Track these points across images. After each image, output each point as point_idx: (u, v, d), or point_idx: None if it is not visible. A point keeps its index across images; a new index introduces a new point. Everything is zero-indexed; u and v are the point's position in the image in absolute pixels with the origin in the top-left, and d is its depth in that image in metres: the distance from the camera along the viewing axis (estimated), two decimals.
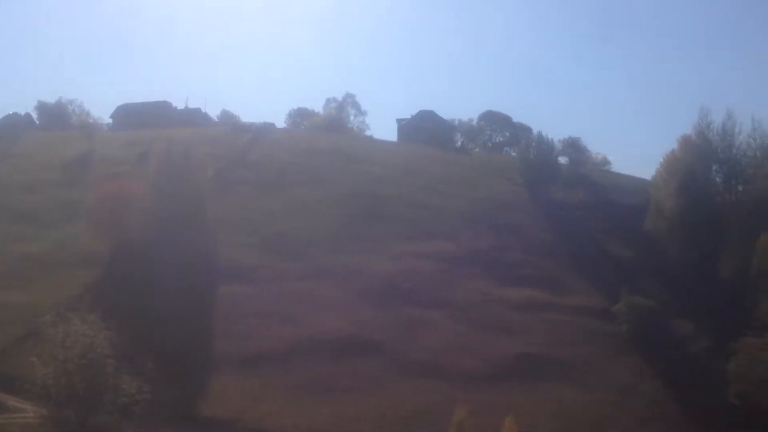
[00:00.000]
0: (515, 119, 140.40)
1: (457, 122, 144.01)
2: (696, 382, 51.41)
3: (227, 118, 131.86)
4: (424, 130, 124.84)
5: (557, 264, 69.02)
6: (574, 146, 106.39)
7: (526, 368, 49.38)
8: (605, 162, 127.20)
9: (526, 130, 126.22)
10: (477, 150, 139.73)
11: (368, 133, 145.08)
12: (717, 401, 49.61)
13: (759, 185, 70.97)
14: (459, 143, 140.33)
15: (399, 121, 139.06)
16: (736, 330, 53.18)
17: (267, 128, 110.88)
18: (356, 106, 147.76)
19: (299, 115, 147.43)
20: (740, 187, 74.21)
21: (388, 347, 50.51)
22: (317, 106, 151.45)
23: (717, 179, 74.95)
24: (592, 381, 49.45)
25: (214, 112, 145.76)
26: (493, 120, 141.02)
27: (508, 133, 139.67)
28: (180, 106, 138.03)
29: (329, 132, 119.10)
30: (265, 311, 54.36)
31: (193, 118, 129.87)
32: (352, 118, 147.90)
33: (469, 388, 44.64)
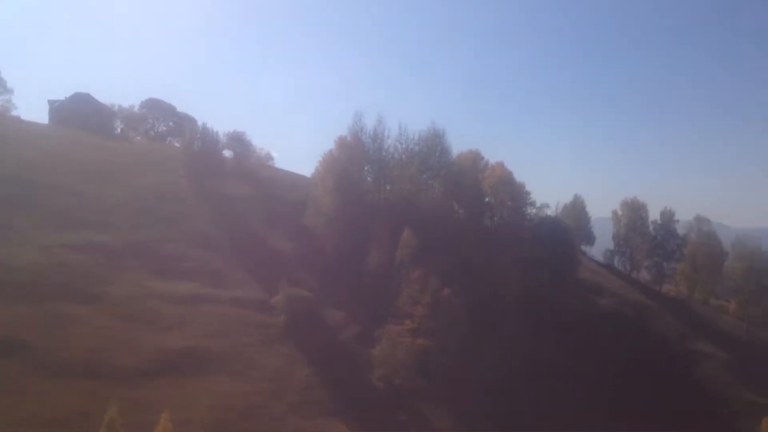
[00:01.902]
0: (180, 109, 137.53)
1: (117, 108, 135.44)
2: (346, 367, 56.89)
3: None
4: (80, 113, 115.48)
5: (219, 257, 69.74)
6: (239, 140, 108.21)
7: (184, 362, 49.24)
8: (269, 157, 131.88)
9: (191, 121, 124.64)
10: (138, 138, 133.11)
11: (15, 113, 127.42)
12: (364, 384, 55.70)
13: (404, 186, 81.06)
14: (119, 130, 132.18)
15: (51, 102, 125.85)
16: (382, 318, 60.47)
17: None
18: (1, 82, 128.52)
19: None
20: (388, 187, 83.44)
21: (33, 346, 45.31)
22: None
23: (369, 179, 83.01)
24: (249, 371, 51.50)
25: None
26: (157, 108, 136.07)
27: (172, 123, 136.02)
28: None
29: None
30: None
31: None
32: None
33: (123, 386, 42.95)
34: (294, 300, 60.62)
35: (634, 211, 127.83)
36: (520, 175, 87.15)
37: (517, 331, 71.35)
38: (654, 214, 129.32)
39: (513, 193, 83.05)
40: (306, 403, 49.87)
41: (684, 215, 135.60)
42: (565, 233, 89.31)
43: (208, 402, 43.38)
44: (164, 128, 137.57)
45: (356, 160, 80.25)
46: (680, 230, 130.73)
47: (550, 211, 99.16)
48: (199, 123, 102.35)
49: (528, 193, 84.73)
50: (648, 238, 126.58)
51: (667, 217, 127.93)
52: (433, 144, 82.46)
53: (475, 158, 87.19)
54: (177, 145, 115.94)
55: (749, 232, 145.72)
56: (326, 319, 63.78)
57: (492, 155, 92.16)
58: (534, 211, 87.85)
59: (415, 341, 58.14)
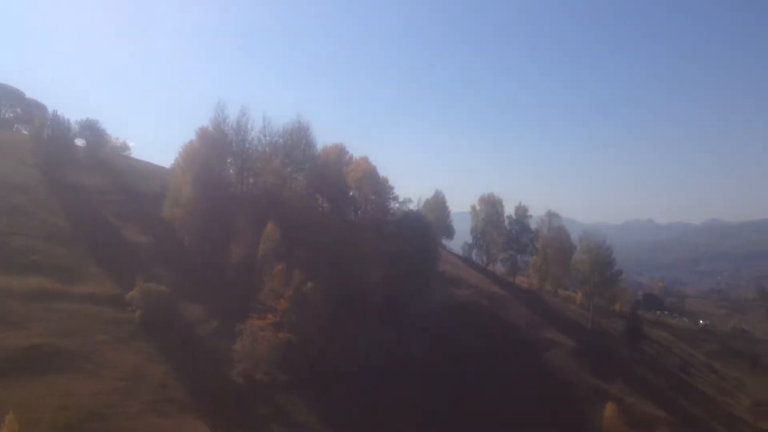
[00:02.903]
0: (29, 95, 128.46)
1: None
2: (205, 363, 56.53)
3: None
4: None
5: (70, 251, 66.64)
6: (92, 128, 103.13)
7: (32, 362, 47.19)
8: (126, 147, 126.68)
9: (41, 108, 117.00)
10: None
11: None
12: (224, 380, 55.63)
13: (267, 179, 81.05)
14: None
15: None
16: (243, 312, 60.52)
17: None
18: None
19: None
20: (251, 180, 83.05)
21: None
22: None
23: (231, 171, 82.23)
24: (103, 370, 50.14)
25: None
26: (3, 93, 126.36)
27: (19, 110, 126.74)
28: None
29: None
30: None
31: None
32: None
33: None
34: (150, 295, 59.37)
35: (491, 206, 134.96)
36: (383, 170, 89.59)
37: (379, 324, 73.68)
38: (509, 210, 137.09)
39: (377, 187, 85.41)
40: (163, 401, 49.23)
41: (537, 211, 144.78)
42: (426, 227, 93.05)
43: (59, 402, 41.94)
44: (11, 115, 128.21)
45: (218, 152, 79.17)
46: (533, 225, 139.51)
47: (412, 206, 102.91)
48: (50, 110, 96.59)
49: (391, 188, 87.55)
50: (503, 232, 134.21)
51: (521, 212, 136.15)
52: (298, 137, 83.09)
53: (339, 152, 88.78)
54: (25, 132, 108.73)
55: (594, 228, 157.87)
56: (185, 314, 63.00)
57: (357, 150, 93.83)
58: (397, 205, 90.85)
59: (277, 335, 58.81)
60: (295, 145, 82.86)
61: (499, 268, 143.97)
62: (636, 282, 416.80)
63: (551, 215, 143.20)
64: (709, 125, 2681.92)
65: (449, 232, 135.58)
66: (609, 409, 75.47)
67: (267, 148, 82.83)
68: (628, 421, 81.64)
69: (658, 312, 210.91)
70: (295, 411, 56.21)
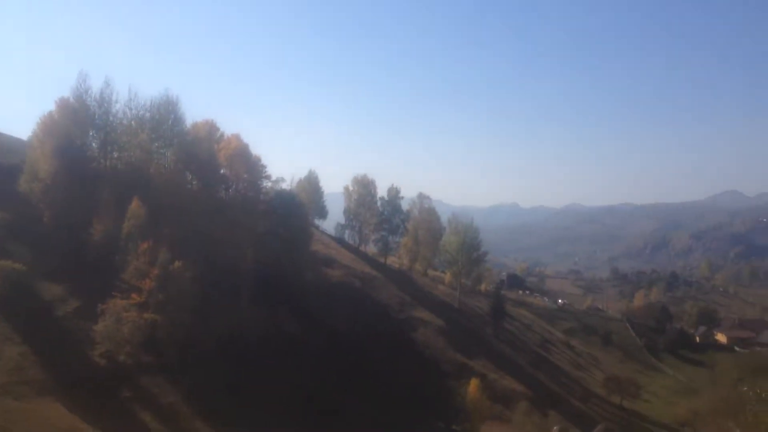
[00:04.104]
0: None
1: None
2: (64, 344, 54.67)
3: None
4: None
5: None
6: None
7: None
8: None
9: None
10: None
11: None
12: (84, 362, 54.06)
13: (132, 154, 78.58)
14: None
15: None
16: (106, 292, 58.86)
17: None
18: None
19: None
20: (116, 154, 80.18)
21: None
22: None
23: (94, 144, 79.00)
24: None
25: None
26: None
27: None
28: None
29: None
30: None
31: None
32: None
33: None
34: (5, 273, 56.41)
35: (364, 187, 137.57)
36: (256, 149, 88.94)
37: (250, 303, 73.85)
38: (382, 191, 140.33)
39: (249, 165, 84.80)
40: (18, 384, 47.39)
41: (409, 193, 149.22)
42: (299, 207, 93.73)
43: None
44: None
45: (80, 124, 75.77)
46: (405, 207, 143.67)
47: (285, 185, 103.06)
48: None
49: (264, 167, 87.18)
50: (376, 213, 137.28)
51: (394, 193, 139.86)
52: (166, 111, 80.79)
53: (210, 128, 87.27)
54: None
55: (463, 210, 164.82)
56: (43, 293, 60.38)
57: (228, 127, 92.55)
58: (269, 184, 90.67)
59: (141, 316, 57.70)
60: (163, 119, 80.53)
61: (371, 249, 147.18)
62: (501, 263, 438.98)
63: (422, 197, 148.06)
64: (567, 115, 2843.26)
65: (322, 213, 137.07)
66: (472, 385, 79.93)
67: (133, 122, 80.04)
68: (490, 396, 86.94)
69: (521, 291, 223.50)
70: (160, 393, 55.64)
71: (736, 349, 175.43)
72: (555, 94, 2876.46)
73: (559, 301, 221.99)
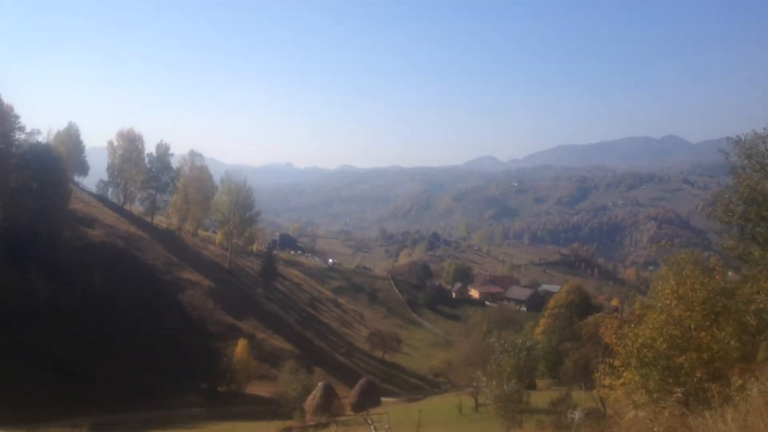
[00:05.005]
0: None
1: None
2: None
3: None
4: None
5: None
6: None
7: None
8: None
9: None
10: None
11: None
12: None
13: None
14: None
15: None
16: None
17: None
18: None
19: None
20: None
21: None
22: None
23: None
24: None
25: None
26: None
27: None
28: None
29: None
30: None
31: None
32: None
33: None
34: None
35: (131, 142, 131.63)
36: (8, 97, 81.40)
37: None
38: (151, 148, 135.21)
39: None
40: None
41: (181, 150, 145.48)
42: (56, 161, 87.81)
43: None
44: None
45: None
46: (175, 164, 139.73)
47: (41, 138, 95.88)
48: None
49: (17, 117, 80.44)
50: (143, 170, 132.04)
51: (163, 150, 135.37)
52: None
53: None
54: None
55: (237, 169, 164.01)
56: None
57: None
58: (24, 136, 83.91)
59: None
60: None
61: (138, 208, 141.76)
62: (274, 223, 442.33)
63: (194, 154, 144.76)
64: (340, 79, 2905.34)
65: (83, 169, 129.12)
66: (240, 345, 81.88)
67: None
68: (258, 356, 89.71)
69: (293, 252, 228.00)
70: None
71: (487, 303, 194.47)
72: (329, 57, 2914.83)
73: (330, 260, 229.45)
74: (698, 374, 20.64)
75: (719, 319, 21.92)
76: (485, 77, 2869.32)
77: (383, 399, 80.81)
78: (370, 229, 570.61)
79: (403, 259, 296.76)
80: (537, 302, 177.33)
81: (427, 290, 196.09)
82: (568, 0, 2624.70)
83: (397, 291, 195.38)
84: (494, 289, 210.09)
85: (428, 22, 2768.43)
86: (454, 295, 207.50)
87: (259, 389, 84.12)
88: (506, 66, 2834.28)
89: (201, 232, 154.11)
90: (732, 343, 21.16)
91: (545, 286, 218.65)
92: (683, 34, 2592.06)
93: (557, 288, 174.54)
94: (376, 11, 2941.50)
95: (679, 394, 19.14)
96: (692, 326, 21.62)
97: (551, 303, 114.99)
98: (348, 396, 77.64)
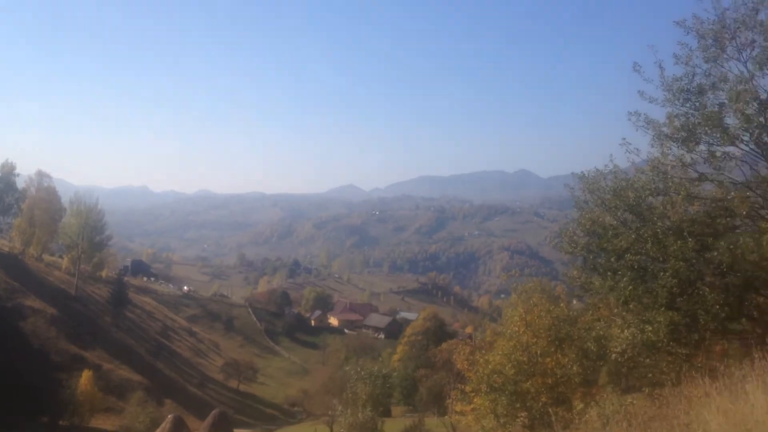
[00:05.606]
0: None
1: None
2: None
3: None
4: None
5: None
6: None
7: None
8: None
9: None
10: None
11: None
12: None
13: None
14: None
15: None
16: None
17: None
18: None
19: None
20: None
21: None
22: None
23: None
24: None
25: None
26: None
27: None
28: None
29: None
30: None
31: None
32: None
33: None
34: None
35: None
36: None
37: None
38: None
39: None
40: None
41: (28, 170, 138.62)
42: None
43: None
44: None
45: None
46: (21, 184, 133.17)
47: None
48: None
49: None
50: None
51: (8, 169, 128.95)
52: None
53: None
54: None
55: (88, 191, 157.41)
56: None
57: None
58: None
59: None
60: None
61: None
62: (126, 248, 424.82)
63: (41, 175, 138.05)
64: (200, 103, 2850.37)
65: None
66: (84, 377, 79.20)
67: None
68: (104, 387, 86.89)
69: (145, 278, 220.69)
70: None
71: (346, 331, 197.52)
72: (186, 80, 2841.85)
73: (185, 288, 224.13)
74: (543, 398, 23.04)
75: (563, 345, 24.59)
76: (347, 106, 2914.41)
77: (236, 430, 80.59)
78: (228, 256, 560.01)
79: (262, 287, 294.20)
80: (395, 330, 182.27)
81: (286, 318, 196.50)
82: (424, 36, 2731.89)
83: (255, 319, 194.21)
84: (353, 317, 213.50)
85: (289, 52, 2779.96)
86: (313, 322, 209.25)
87: (104, 422, 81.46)
88: (367, 95, 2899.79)
89: (47, 257, 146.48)
90: (574, 368, 23.59)
91: (403, 314, 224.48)
92: (528, 83, 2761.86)
93: (415, 316, 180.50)
94: (228, 37, 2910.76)
95: (524, 419, 21.53)
96: (538, 352, 24.15)
97: (408, 330, 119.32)
98: (199, 429, 76.92)
